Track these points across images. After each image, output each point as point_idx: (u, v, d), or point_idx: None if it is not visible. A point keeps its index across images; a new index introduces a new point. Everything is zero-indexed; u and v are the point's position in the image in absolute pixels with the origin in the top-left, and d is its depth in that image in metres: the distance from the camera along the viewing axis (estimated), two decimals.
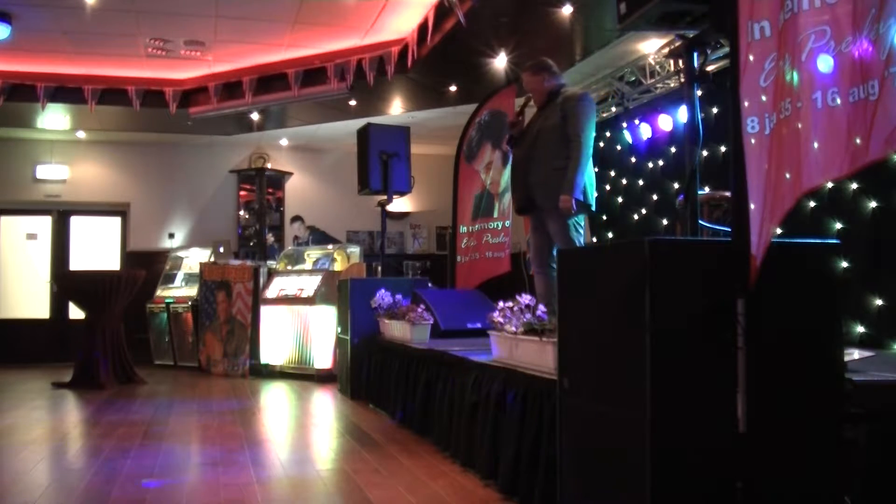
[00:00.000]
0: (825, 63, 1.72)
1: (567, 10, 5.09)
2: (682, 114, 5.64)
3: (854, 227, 4.28)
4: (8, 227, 9.45)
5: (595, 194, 3.94)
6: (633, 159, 6.92)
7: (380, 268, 7.64)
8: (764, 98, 1.82)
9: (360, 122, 6.56)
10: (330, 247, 7.69)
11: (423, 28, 5.97)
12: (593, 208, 3.94)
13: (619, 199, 7.10)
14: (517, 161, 4.10)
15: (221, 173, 9.93)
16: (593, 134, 3.89)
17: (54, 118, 8.22)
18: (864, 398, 1.97)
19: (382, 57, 6.59)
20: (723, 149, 5.31)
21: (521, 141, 4.09)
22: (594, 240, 7.02)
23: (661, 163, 6.49)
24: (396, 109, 7.95)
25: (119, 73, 7.27)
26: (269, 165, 9.98)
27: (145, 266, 7.88)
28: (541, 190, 3.89)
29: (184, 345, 7.98)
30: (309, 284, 6.96)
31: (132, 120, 8.18)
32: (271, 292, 7.21)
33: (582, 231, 3.93)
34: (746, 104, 1.85)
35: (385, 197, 6.27)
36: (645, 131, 6.61)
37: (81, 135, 9.11)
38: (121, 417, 4.89)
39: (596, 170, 4.10)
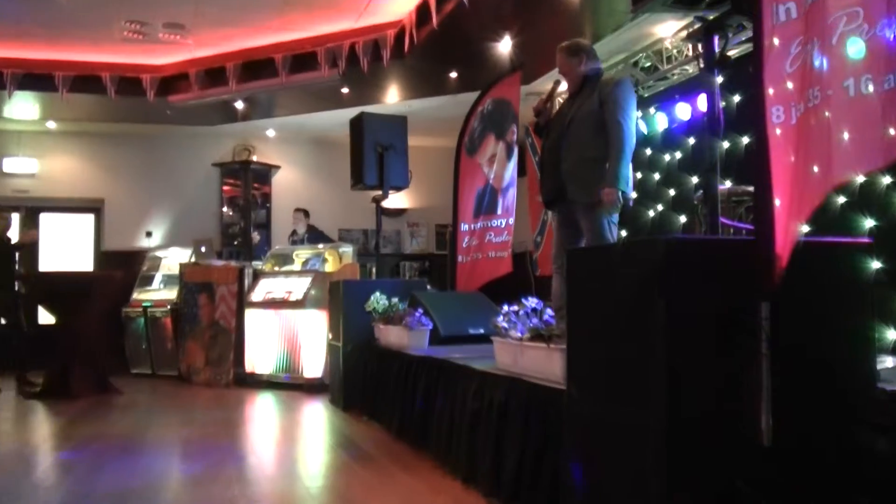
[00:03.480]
0: (856, 47, 1.72)
1: None
2: (702, 102, 5.63)
3: (887, 224, 4.27)
4: None
5: (632, 185, 3.94)
6: (648, 151, 6.92)
7: (374, 269, 7.64)
8: (790, 85, 1.82)
9: (353, 112, 6.55)
10: (321, 246, 7.69)
11: (421, 9, 5.97)
12: (630, 203, 3.95)
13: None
14: (547, 150, 4.09)
15: (203, 167, 9.93)
16: (635, 120, 3.89)
17: (22, 107, 8.22)
18: None
19: (377, 41, 6.60)
20: (745, 140, 5.30)
21: (550, 129, 4.09)
22: None
23: (678, 155, 6.48)
24: (393, 98, 7.95)
25: (92, 59, 7.27)
26: (254, 158, 9.99)
27: (121, 267, 7.89)
28: (574, 181, 3.89)
29: (163, 352, 7.98)
30: (298, 287, 6.96)
31: (107, 109, 8.18)
32: (257, 295, 7.21)
33: (615, 229, 3.93)
34: (771, 92, 1.85)
35: (380, 192, 6.26)
36: (661, 121, 6.60)
37: (52, 125, 9.11)
38: (96, 430, 4.89)
39: None
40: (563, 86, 4.27)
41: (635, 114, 3.91)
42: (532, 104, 4.27)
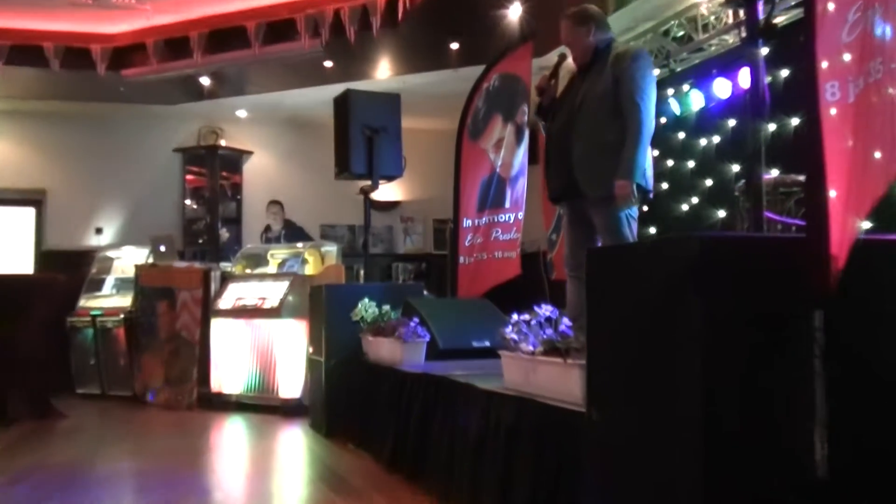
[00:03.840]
0: None
1: None
2: (744, 78, 5.64)
3: None
4: None
5: (652, 176, 3.95)
6: (682, 135, 6.92)
7: (362, 271, 7.63)
8: (847, 57, 1.82)
9: (337, 89, 6.55)
10: (300, 245, 7.69)
11: None
12: (651, 195, 3.95)
13: (664, 186, 7.10)
14: (553, 136, 4.10)
15: (163, 152, 9.93)
16: (654, 101, 3.90)
17: None
18: None
19: (366, 6, 6.60)
20: (795, 122, 5.31)
21: (557, 111, 4.09)
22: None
23: (716, 139, 6.49)
24: (384, 73, 7.96)
25: (33, 26, 7.27)
26: (222, 143, 9.99)
27: (66, 269, 7.89)
28: (586, 172, 3.89)
29: (115, 369, 7.97)
30: (273, 292, 6.96)
31: (49, 85, 8.18)
32: (226, 302, 7.21)
33: (635, 225, 3.94)
34: (825, 65, 1.84)
35: (369, 183, 6.26)
36: (696, 100, 6.61)
37: None
38: (34, 461, 4.88)
39: None
40: (571, 60, 4.28)
41: (654, 93, 3.92)
42: (535, 83, 4.27)
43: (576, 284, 4.07)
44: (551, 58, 7.13)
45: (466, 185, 6.47)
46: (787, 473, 1.88)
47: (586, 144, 3.90)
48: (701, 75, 6.56)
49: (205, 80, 8.09)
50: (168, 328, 7.44)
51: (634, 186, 3.75)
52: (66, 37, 7.36)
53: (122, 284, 8.50)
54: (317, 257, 7.48)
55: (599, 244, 3.99)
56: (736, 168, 6.09)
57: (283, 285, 6.95)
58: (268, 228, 8.64)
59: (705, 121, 6.58)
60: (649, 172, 3.92)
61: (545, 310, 3.11)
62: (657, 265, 2.07)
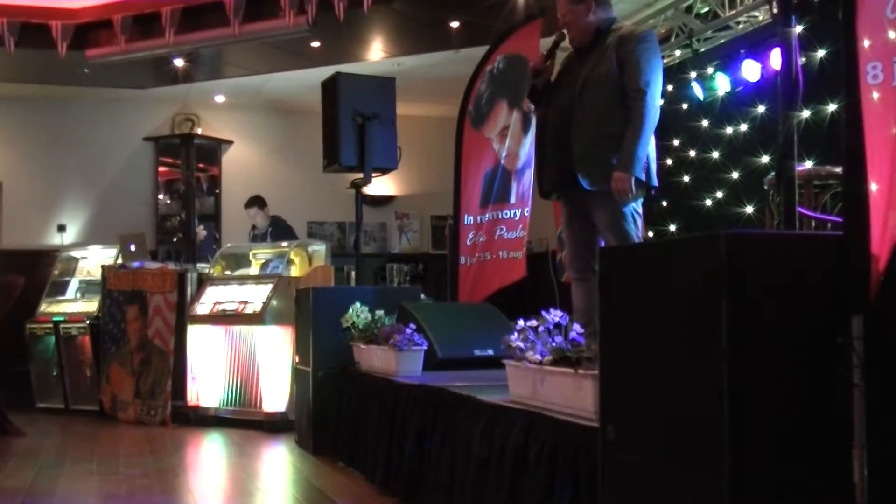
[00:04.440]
0: None
1: None
2: (775, 59, 5.64)
3: None
4: None
5: (656, 169, 3.97)
6: (705, 123, 6.92)
7: (354, 273, 7.63)
8: (892, 35, 1.81)
9: (326, 72, 6.56)
10: (284, 245, 7.69)
11: None
12: (655, 191, 3.96)
13: (686, 179, 7.10)
14: (548, 124, 4.12)
15: (132, 142, 9.93)
16: (661, 88, 3.93)
17: None
18: None
19: None
20: (832, 107, 5.31)
21: (552, 96, 4.10)
22: (650, 234, 7.02)
23: (743, 128, 6.49)
24: (376, 54, 7.95)
25: None
26: (198, 131, 9.99)
27: (24, 271, 7.87)
28: (588, 164, 3.91)
29: (79, 380, 7.98)
30: (255, 296, 6.96)
31: (3, 66, 8.16)
32: (203, 307, 7.21)
33: (641, 222, 3.96)
34: (866, 44, 1.84)
35: (361, 176, 6.27)
36: (722, 83, 6.60)
37: None
38: None
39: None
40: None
41: (661, 79, 3.96)
42: (531, 63, 4.28)
43: (583, 288, 4.08)
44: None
45: (468, 178, 6.49)
46: (822, 498, 1.88)
47: (590, 133, 3.92)
48: (728, 56, 6.56)
49: (178, 62, 8.08)
50: (139, 336, 7.44)
51: (633, 180, 3.77)
52: (21, 11, 7.31)
53: (87, 287, 8.50)
54: (303, 258, 7.49)
55: (603, 243, 4.00)
56: (766, 159, 6.08)
57: (267, 288, 6.95)
58: (253, 229, 8.65)
59: (732, 107, 6.58)
60: (653, 166, 3.93)
61: (554, 315, 3.11)
62: (679, 266, 2.07)
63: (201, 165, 10.05)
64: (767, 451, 1.86)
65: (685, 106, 7.10)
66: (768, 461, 1.86)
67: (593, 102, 3.92)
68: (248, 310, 6.89)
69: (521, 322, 3.24)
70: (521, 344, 3.20)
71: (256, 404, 6.77)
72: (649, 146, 3.89)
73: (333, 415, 5.40)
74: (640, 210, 4.02)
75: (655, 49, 3.98)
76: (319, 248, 7.62)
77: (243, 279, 7.38)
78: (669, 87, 7.25)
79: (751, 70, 6.24)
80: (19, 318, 7.97)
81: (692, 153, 7.07)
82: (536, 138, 4.34)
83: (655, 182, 3.97)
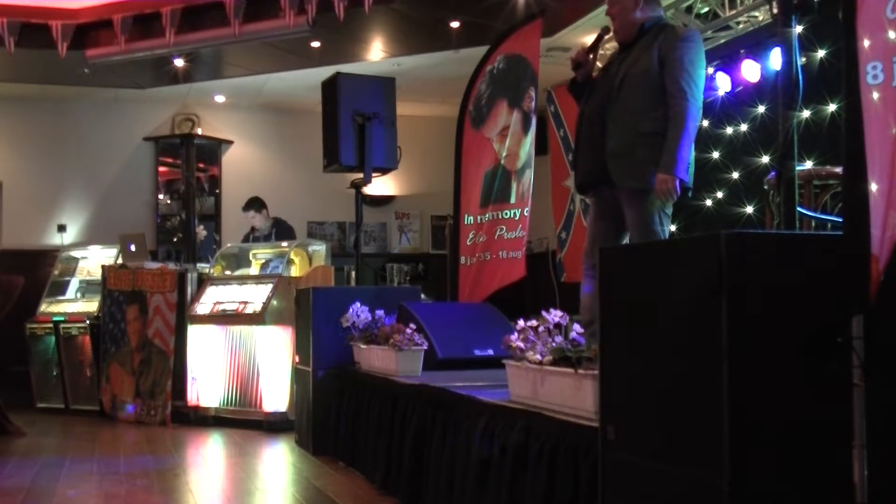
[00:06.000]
0: None
1: None
2: (775, 59, 5.63)
3: None
4: None
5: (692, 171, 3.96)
6: (706, 122, 6.91)
7: (354, 273, 7.63)
8: (892, 35, 1.81)
9: (326, 72, 6.56)
10: (284, 245, 7.69)
11: None
12: (690, 194, 3.96)
13: (691, 184, 7.08)
14: (586, 118, 4.10)
15: (133, 142, 9.93)
16: (703, 88, 3.90)
17: None
18: None
19: None
20: (832, 107, 5.30)
21: (592, 91, 4.08)
22: None
23: (743, 127, 6.48)
24: (376, 54, 7.95)
25: None
26: (198, 131, 9.98)
27: (24, 271, 7.86)
28: (622, 160, 3.90)
29: (79, 380, 7.98)
30: (255, 296, 6.96)
31: (4, 66, 8.16)
32: (203, 307, 7.21)
33: (668, 223, 3.95)
34: (866, 44, 1.84)
35: (361, 176, 6.27)
36: (722, 83, 6.59)
37: None
38: None
39: None
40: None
41: (703, 80, 3.92)
42: (570, 54, 4.24)
43: (593, 284, 4.07)
44: (563, 36, 7.16)
45: (468, 177, 6.48)
46: (823, 498, 1.87)
47: (625, 130, 3.90)
48: (727, 56, 6.55)
49: (178, 62, 8.08)
50: (139, 336, 7.44)
51: (678, 182, 3.76)
52: (21, 11, 7.31)
53: (87, 287, 8.50)
54: (303, 258, 7.49)
55: (626, 241, 4.00)
56: (766, 159, 6.08)
57: (267, 288, 6.95)
58: (252, 231, 8.62)
59: (732, 107, 6.57)
60: (692, 168, 3.92)
61: (554, 315, 3.11)
62: (679, 266, 2.07)
63: (201, 165, 10.04)
64: (767, 451, 1.86)
65: None
66: (768, 461, 1.86)
67: (630, 99, 3.89)
68: (248, 310, 6.89)
69: (521, 322, 3.24)
70: (521, 344, 3.20)
71: (256, 404, 6.77)
72: (691, 148, 3.86)
73: (333, 415, 5.40)
74: (670, 211, 3.99)
75: (700, 49, 3.93)
76: (319, 248, 7.62)
77: (243, 279, 7.38)
78: None
79: (751, 70, 6.24)
80: (19, 318, 7.98)
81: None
82: (574, 133, 4.32)
83: (690, 184, 3.94)
